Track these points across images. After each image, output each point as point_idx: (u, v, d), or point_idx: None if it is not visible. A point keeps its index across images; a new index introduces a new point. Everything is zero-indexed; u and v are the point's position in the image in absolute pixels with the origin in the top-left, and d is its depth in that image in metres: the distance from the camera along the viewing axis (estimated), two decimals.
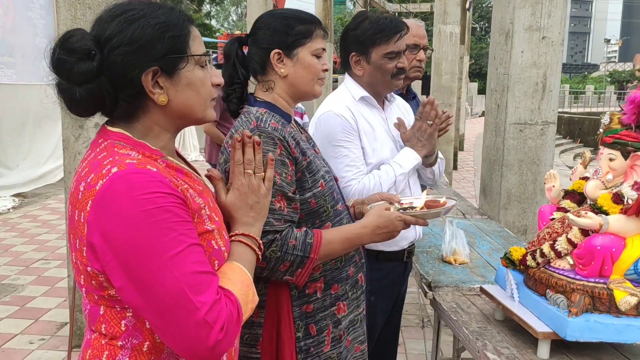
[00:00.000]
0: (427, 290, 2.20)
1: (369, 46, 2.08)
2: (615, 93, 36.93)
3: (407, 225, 1.65)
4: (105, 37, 1.02)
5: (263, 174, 1.29)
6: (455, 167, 12.15)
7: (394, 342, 2.38)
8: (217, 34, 37.72)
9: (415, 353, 3.60)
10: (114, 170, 0.97)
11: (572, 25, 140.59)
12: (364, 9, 15.94)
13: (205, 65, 1.12)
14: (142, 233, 0.94)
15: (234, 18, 54.83)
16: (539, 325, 1.60)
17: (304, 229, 1.55)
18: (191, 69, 1.09)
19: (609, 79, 49.93)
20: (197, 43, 1.10)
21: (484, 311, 1.94)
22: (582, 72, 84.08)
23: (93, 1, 2.85)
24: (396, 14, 22.01)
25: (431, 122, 2.11)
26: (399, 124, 2.16)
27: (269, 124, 1.52)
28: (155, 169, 1.00)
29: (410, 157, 2.10)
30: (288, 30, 1.59)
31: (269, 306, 1.57)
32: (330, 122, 2.02)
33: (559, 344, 1.60)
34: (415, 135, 2.12)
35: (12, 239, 5.81)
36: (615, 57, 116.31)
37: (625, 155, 1.61)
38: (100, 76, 1.01)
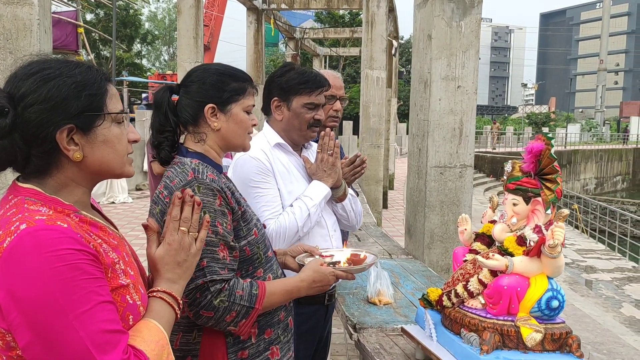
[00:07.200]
0: (352, 332, 2.25)
1: (292, 94, 2.18)
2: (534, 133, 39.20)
3: (337, 279, 1.77)
4: (19, 95, 1.03)
5: (197, 233, 1.30)
6: (385, 206, 12.42)
7: None
8: (148, 73, 37.34)
9: None
10: (23, 227, 0.97)
11: (493, 70, 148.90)
12: (294, 52, 16.32)
13: (122, 122, 1.14)
14: (49, 291, 0.93)
15: (166, 58, 54.51)
16: None
17: (249, 280, 1.58)
18: (107, 126, 1.11)
19: (527, 121, 52.99)
20: (114, 101, 1.12)
21: (406, 351, 2.00)
22: (503, 114, 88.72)
23: (14, 46, 2.80)
24: (327, 57, 22.65)
25: (331, 152, 2.23)
26: (305, 161, 2.27)
27: (206, 176, 1.55)
28: (65, 225, 1.00)
29: (319, 188, 2.20)
30: (223, 87, 1.64)
31: (203, 354, 1.56)
32: (245, 165, 2.10)
33: None
34: (320, 167, 2.23)
35: None
36: (532, 100, 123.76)
37: (527, 200, 1.74)
38: (13, 133, 1.01)
